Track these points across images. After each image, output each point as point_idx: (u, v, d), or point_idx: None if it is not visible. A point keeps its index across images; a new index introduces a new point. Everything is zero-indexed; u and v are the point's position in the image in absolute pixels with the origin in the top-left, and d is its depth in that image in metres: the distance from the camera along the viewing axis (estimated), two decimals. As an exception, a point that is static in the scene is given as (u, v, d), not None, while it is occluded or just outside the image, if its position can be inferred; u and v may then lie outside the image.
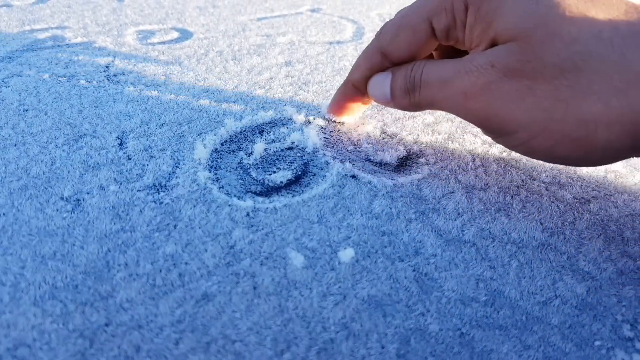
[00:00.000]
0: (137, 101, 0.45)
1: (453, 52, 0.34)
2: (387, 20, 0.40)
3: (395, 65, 0.33)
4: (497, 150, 0.40)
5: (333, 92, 0.48)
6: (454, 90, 0.28)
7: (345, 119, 0.42)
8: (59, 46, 0.58)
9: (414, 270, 0.29)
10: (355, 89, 0.37)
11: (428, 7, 0.30)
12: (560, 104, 0.25)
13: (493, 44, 0.28)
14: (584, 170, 0.38)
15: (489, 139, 0.41)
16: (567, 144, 0.26)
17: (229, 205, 0.32)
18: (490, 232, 0.32)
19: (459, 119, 0.44)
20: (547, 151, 0.28)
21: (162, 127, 0.41)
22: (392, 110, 0.46)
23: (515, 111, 0.27)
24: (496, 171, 0.37)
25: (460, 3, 0.29)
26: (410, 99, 0.32)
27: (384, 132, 0.42)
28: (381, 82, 0.34)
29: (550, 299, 0.28)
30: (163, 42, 0.60)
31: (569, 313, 0.27)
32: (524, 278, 0.29)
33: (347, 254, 0.29)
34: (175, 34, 0.63)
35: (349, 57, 0.58)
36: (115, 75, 0.51)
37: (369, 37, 0.65)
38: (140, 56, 0.55)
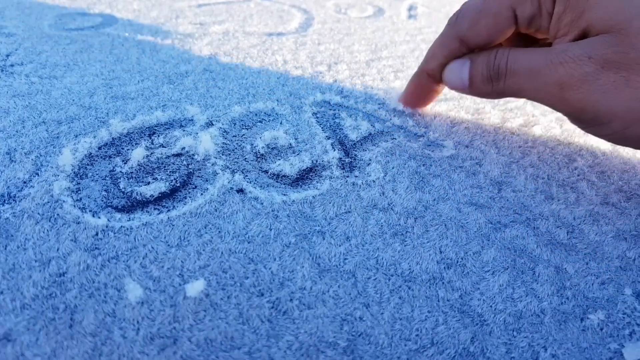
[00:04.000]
0: (24, 95, 0.42)
1: (524, 41, 0.36)
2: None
3: (472, 52, 0.35)
4: (416, 163, 0.37)
5: (252, 90, 0.45)
6: (547, 81, 0.30)
7: (418, 108, 0.43)
8: (-39, 31, 0.55)
9: (271, 308, 0.26)
10: (429, 77, 0.38)
11: None
12: None
13: (583, 34, 0.30)
14: (509, 190, 0.35)
15: (411, 151, 0.38)
16: None
17: (77, 223, 0.29)
18: (377, 261, 0.29)
19: (378, 125, 0.41)
20: None
21: (38, 126, 0.38)
22: (309, 114, 0.42)
23: (611, 102, 0.28)
24: (407, 188, 0.34)
25: None
26: (493, 87, 0.33)
27: (296, 139, 0.39)
28: (459, 69, 0.35)
29: (424, 347, 0.24)
30: (81, 29, 0.57)
31: (442, 366, 0.24)
32: (400, 319, 0.26)
33: (195, 287, 0.26)
34: (98, 20, 0.60)
35: (284, 50, 0.55)
36: (12, 65, 0.48)
37: (315, 28, 0.62)
38: (49, 44, 0.52)
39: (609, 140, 0.32)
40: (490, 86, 0.33)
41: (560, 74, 0.29)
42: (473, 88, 0.34)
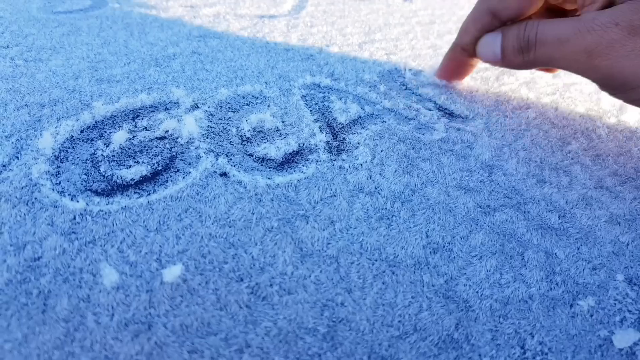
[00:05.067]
0: (7, 79, 0.41)
1: (554, 13, 0.37)
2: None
3: (504, 25, 0.35)
4: (405, 147, 0.36)
5: (241, 72, 0.44)
6: (575, 49, 0.30)
7: (454, 81, 0.44)
8: (-54, 13, 0.54)
9: (251, 293, 0.25)
10: (463, 52, 0.39)
11: None
12: None
13: (610, 2, 0.30)
14: (500, 173, 0.34)
15: (401, 134, 0.37)
16: None
17: (55, 207, 0.28)
18: (361, 245, 0.28)
19: (368, 108, 0.40)
20: None
21: (20, 109, 0.37)
22: (298, 97, 0.41)
23: (638, 67, 0.29)
24: (395, 172, 0.33)
25: None
26: (524, 58, 0.34)
27: (283, 122, 0.38)
28: (491, 42, 0.36)
29: (406, 334, 0.24)
30: (70, 12, 0.56)
31: (424, 352, 0.23)
32: (383, 305, 0.25)
33: (172, 273, 0.25)
34: (88, 3, 0.59)
35: (275, 33, 0.53)
36: (-3, 48, 0.47)
37: (308, 11, 0.61)
38: (37, 27, 0.51)
39: (637, 105, 0.32)
40: (521, 57, 0.34)
41: (588, 41, 0.30)
42: (505, 60, 0.35)
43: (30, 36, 0.49)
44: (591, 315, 0.26)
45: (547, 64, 0.33)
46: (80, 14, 0.55)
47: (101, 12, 0.56)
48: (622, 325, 0.26)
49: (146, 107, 0.38)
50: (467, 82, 0.46)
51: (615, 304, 0.27)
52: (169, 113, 0.38)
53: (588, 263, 0.29)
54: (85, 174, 0.31)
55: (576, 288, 0.27)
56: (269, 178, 0.32)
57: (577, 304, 0.26)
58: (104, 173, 0.31)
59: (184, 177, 0.32)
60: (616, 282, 0.28)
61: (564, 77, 0.48)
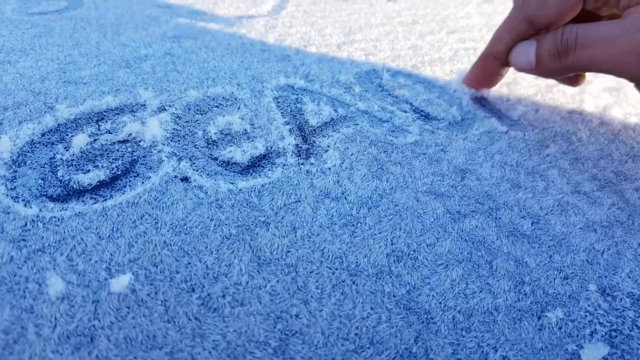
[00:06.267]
0: (-28, 80, 0.40)
1: (588, 20, 0.35)
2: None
3: (539, 34, 0.35)
4: (376, 150, 0.35)
5: (213, 74, 0.43)
6: (623, 49, 0.30)
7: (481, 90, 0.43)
8: None
9: (201, 305, 0.24)
10: (495, 60, 0.39)
11: None
12: None
13: None
14: (474, 178, 0.33)
15: (373, 137, 0.36)
16: None
17: (7, 213, 0.28)
18: (323, 253, 0.27)
19: (341, 110, 0.39)
20: None
21: (-19, 112, 0.36)
22: (270, 99, 0.40)
23: None
24: (364, 176, 0.32)
25: None
26: (561, 62, 0.33)
27: (252, 125, 0.37)
28: (526, 50, 0.35)
29: (362, 347, 0.23)
30: (44, 13, 0.55)
31: (379, 367, 0.22)
32: (340, 317, 0.24)
33: (120, 282, 0.24)
34: (63, 4, 0.58)
35: (252, 34, 0.53)
36: (-35, 49, 0.46)
37: (289, 11, 0.60)
38: (9, 28, 0.50)
39: None
40: (557, 62, 0.33)
41: (638, 40, 0.29)
42: (540, 67, 0.34)
43: (1, 38, 0.48)
44: (559, 328, 0.25)
45: (587, 68, 0.32)
46: (54, 15, 0.55)
47: (76, 13, 0.56)
48: (591, 338, 0.25)
49: (111, 110, 0.37)
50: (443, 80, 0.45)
51: (586, 315, 0.26)
52: (134, 115, 0.37)
53: (560, 272, 0.28)
54: (42, 178, 0.31)
55: (545, 299, 0.26)
56: (232, 183, 0.31)
57: (545, 316, 0.25)
58: (61, 178, 0.31)
59: (142, 182, 0.31)
60: (588, 293, 0.27)
61: (546, 79, 0.47)
